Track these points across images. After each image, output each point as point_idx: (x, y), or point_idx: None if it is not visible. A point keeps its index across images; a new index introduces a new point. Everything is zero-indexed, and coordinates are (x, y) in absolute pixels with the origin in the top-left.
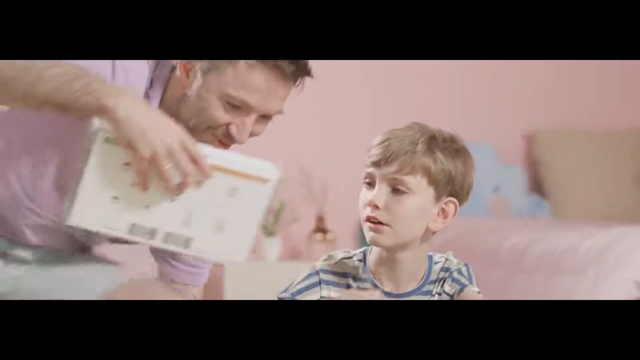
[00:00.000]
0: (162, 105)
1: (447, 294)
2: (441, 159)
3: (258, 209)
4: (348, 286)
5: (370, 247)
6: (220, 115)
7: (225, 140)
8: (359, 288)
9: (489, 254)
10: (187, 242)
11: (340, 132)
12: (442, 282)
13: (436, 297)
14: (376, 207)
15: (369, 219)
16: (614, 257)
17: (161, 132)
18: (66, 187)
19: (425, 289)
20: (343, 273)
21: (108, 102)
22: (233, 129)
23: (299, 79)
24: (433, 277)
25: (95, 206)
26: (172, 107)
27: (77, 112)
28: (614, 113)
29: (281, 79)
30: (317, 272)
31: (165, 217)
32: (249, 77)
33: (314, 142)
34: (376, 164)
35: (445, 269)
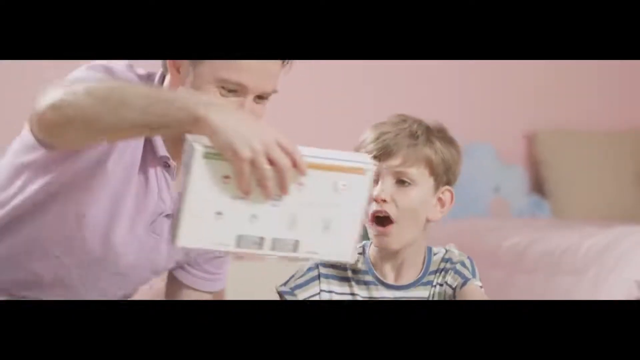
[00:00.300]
0: None
1: (449, 286)
2: (440, 149)
3: (360, 200)
4: (348, 279)
5: (370, 241)
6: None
7: None
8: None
9: (489, 254)
10: (295, 246)
11: (340, 133)
12: (443, 272)
13: (437, 288)
14: (384, 200)
15: (375, 215)
16: (614, 257)
17: (256, 131)
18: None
19: (425, 279)
20: (343, 266)
21: (200, 113)
22: None
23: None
24: (433, 267)
25: (200, 224)
26: None
27: (170, 130)
28: (615, 113)
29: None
30: (316, 266)
31: (271, 223)
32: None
33: (313, 143)
34: (378, 158)
35: (446, 260)
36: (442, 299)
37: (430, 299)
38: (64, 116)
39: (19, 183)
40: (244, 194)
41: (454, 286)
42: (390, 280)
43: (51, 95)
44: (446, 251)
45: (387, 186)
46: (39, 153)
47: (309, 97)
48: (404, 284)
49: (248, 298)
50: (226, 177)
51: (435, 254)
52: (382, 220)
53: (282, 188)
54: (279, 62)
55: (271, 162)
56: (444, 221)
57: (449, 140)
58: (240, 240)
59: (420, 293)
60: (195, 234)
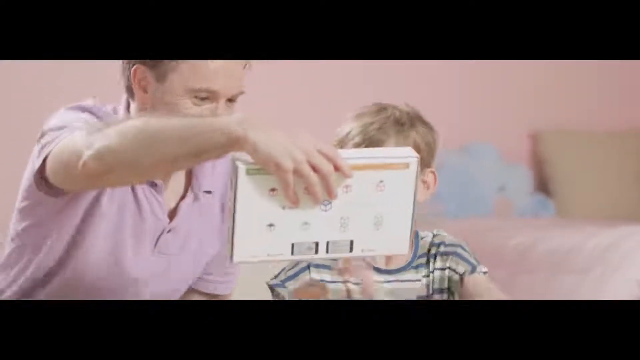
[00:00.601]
0: None
1: (454, 271)
2: (424, 132)
3: (408, 194)
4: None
5: None
6: (192, 113)
7: None
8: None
9: (493, 254)
10: (350, 246)
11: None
12: (438, 256)
13: (437, 273)
14: None
15: None
16: (617, 256)
17: (294, 142)
18: None
19: (415, 263)
20: None
21: (239, 134)
22: None
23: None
24: (421, 251)
25: (254, 238)
26: None
27: (212, 154)
28: (619, 113)
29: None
30: None
31: (323, 228)
32: (205, 65)
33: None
34: (369, 146)
35: (437, 244)
36: (445, 284)
37: (431, 285)
38: (107, 164)
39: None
40: (293, 204)
41: (461, 272)
42: (380, 264)
43: (82, 144)
44: (434, 235)
45: None
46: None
47: (309, 97)
48: (394, 268)
49: (251, 298)
50: (272, 189)
51: (422, 238)
52: None
53: (330, 193)
54: (241, 64)
55: (314, 169)
56: (448, 221)
57: (427, 124)
58: (295, 248)
59: (411, 276)
60: (249, 248)
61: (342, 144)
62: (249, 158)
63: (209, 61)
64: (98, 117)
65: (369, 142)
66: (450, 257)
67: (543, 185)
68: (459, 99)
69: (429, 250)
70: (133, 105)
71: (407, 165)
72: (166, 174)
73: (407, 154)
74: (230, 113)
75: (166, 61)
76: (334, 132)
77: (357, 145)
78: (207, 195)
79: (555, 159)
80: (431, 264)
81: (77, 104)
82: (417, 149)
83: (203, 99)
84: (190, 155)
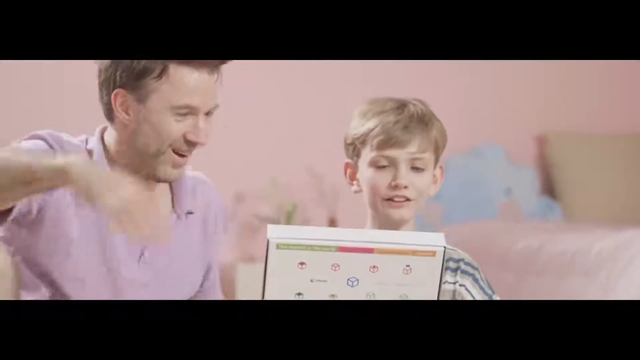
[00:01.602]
0: (116, 155)
1: (469, 292)
2: (441, 129)
3: (434, 279)
4: None
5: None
6: (175, 129)
7: (186, 150)
8: None
9: (500, 257)
10: None
11: (342, 133)
12: (449, 271)
13: (446, 286)
14: (405, 187)
15: (394, 200)
16: (625, 259)
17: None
18: None
19: None
20: None
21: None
22: (190, 136)
23: (219, 69)
24: None
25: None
26: (124, 151)
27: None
28: (626, 115)
29: (207, 74)
30: None
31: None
32: (183, 83)
33: (323, 144)
34: (395, 146)
35: (457, 260)
36: (453, 297)
37: (438, 295)
38: None
39: None
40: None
41: (477, 298)
42: None
43: None
44: (453, 250)
45: (405, 173)
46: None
47: (317, 99)
48: None
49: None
50: (301, 263)
51: None
52: (399, 202)
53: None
54: (213, 78)
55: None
56: (455, 224)
57: (438, 120)
58: None
59: None
60: None
61: (363, 141)
62: (281, 234)
63: (187, 78)
64: (50, 145)
65: (395, 141)
66: (467, 277)
67: (550, 188)
68: (465, 101)
69: (446, 260)
70: (111, 133)
71: (434, 254)
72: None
73: (435, 242)
74: (209, 125)
75: (147, 82)
76: (333, 132)
77: (381, 143)
78: (189, 215)
79: (562, 162)
80: (447, 275)
81: (32, 133)
82: (436, 146)
83: (184, 114)
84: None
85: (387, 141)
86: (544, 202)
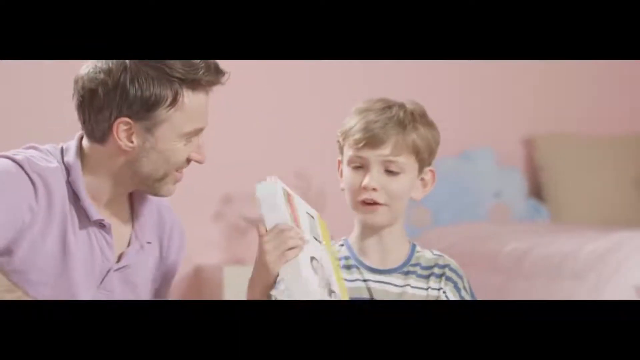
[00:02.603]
0: (113, 178)
1: (448, 299)
2: (425, 134)
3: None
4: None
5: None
6: (184, 153)
7: (185, 167)
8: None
9: (489, 259)
10: None
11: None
12: (439, 278)
13: (432, 292)
14: (374, 190)
15: (365, 202)
16: (614, 261)
17: None
18: None
19: (405, 269)
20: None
21: None
22: (195, 156)
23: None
24: (416, 261)
25: None
26: (123, 173)
27: None
28: (614, 117)
29: (207, 93)
30: None
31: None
32: (193, 107)
33: (310, 147)
34: (366, 146)
35: (443, 266)
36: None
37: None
38: None
39: None
40: None
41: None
42: (375, 264)
43: None
44: (439, 256)
45: (376, 175)
46: None
47: (306, 100)
48: (388, 268)
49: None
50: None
51: (418, 252)
52: (370, 205)
53: None
54: (206, 97)
55: None
56: (443, 226)
57: (430, 124)
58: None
59: (400, 281)
60: None
61: (344, 138)
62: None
63: (198, 104)
64: (26, 172)
65: (370, 140)
66: (449, 283)
67: (538, 191)
68: (455, 103)
69: (432, 267)
70: (88, 145)
71: None
72: None
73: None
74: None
75: (158, 113)
76: (322, 134)
77: (358, 141)
78: (148, 245)
79: (551, 164)
80: (431, 281)
81: (9, 154)
82: (416, 151)
83: (192, 138)
84: None
85: (360, 140)
86: (532, 204)
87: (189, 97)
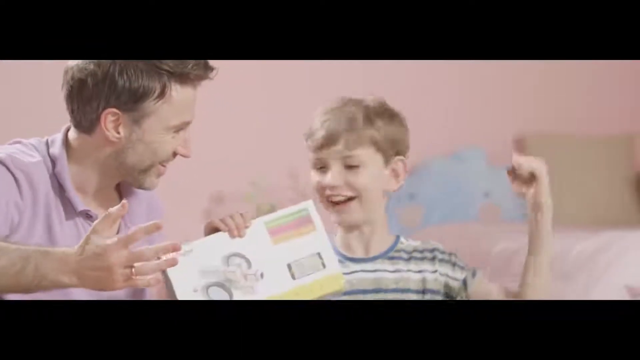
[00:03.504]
0: (99, 169)
1: (454, 279)
2: (382, 127)
3: None
4: None
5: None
6: (170, 146)
7: (170, 161)
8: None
9: (479, 259)
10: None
11: None
12: (432, 260)
13: (430, 275)
14: (335, 187)
15: (330, 200)
16: (604, 261)
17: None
18: None
19: (390, 254)
20: None
21: (63, 280)
22: (181, 150)
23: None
24: (400, 248)
25: None
26: (109, 164)
27: (39, 290)
28: (605, 117)
29: (195, 87)
30: None
31: None
32: (180, 101)
33: (301, 145)
34: (323, 146)
35: (432, 249)
36: (439, 288)
37: (422, 283)
38: None
39: None
40: None
41: (461, 278)
42: (360, 254)
43: None
44: (425, 242)
45: (336, 172)
46: None
47: (297, 99)
48: (372, 255)
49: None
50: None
51: (402, 243)
52: (338, 202)
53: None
54: (194, 91)
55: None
56: (433, 226)
57: (389, 115)
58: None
59: (389, 267)
60: None
61: (309, 137)
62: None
63: (186, 97)
64: (10, 171)
65: (325, 139)
66: (445, 264)
67: None
68: (447, 103)
69: (421, 251)
70: (80, 136)
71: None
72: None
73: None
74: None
75: (146, 105)
76: None
77: (315, 143)
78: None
79: None
80: (425, 264)
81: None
82: (374, 144)
83: (178, 131)
84: (21, 291)
85: (316, 141)
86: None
87: (176, 91)
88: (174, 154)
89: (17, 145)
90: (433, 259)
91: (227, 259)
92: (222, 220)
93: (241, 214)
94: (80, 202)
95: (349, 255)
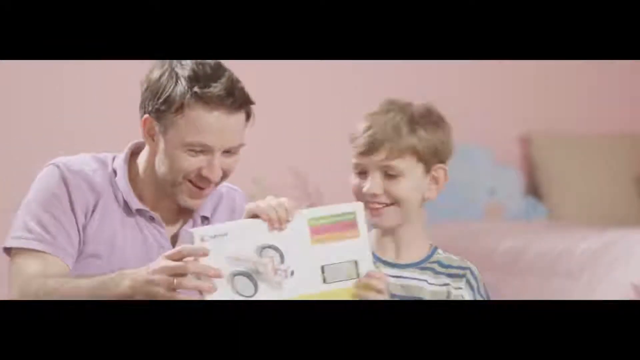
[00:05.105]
0: (145, 177)
1: (462, 296)
2: (424, 136)
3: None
4: None
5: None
6: (188, 163)
7: (201, 183)
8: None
9: (484, 257)
10: None
11: (334, 135)
12: (458, 278)
13: (453, 291)
14: (375, 195)
15: (370, 205)
16: (609, 259)
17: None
18: None
19: (424, 265)
20: None
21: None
22: (204, 171)
23: (245, 109)
24: (435, 259)
25: None
26: (150, 174)
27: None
28: (611, 116)
29: (229, 113)
30: None
31: None
32: (200, 121)
33: (308, 146)
34: (364, 153)
35: (465, 268)
36: (442, 298)
37: (444, 298)
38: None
39: None
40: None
41: (468, 299)
42: (391, 257)
43: (22, 283)
44: (462, 259)
45: (376, 180)
46: None
47: (304, 99)
48: (403, 263)
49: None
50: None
51: (439, 254)
52: (376, 210)
53: None
54: (239, 117)
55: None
56: (439, 224)
57: (434, 123)
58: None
59: (417, 275)
60: None
61: (352, 141)
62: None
63: (202, 118)
64: (63, 177)
65: (366, 146)
66: (469, 288)
67: (534, 189)
68: (452, 101)
69: (454, 268)
70: (145, 154)
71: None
72: None
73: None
74: (231, 163)
75: (168, 115)
76: (318, 132)
77: (357, 149)
78: (205, 220)
79: (547, 163)
80: (452, 280)
81: (50, 162)
82: (415, 153)
83: (198, 151)
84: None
85: (358, 148)
86: (528, 202)
87: (194, 109)
88: (201, 176)
89: (83, 156)
90: (462, 276)
91: (261, 249)
92: (265, 210)
93: (286, 208)
94: (137, 202)
95: (381, 256)
